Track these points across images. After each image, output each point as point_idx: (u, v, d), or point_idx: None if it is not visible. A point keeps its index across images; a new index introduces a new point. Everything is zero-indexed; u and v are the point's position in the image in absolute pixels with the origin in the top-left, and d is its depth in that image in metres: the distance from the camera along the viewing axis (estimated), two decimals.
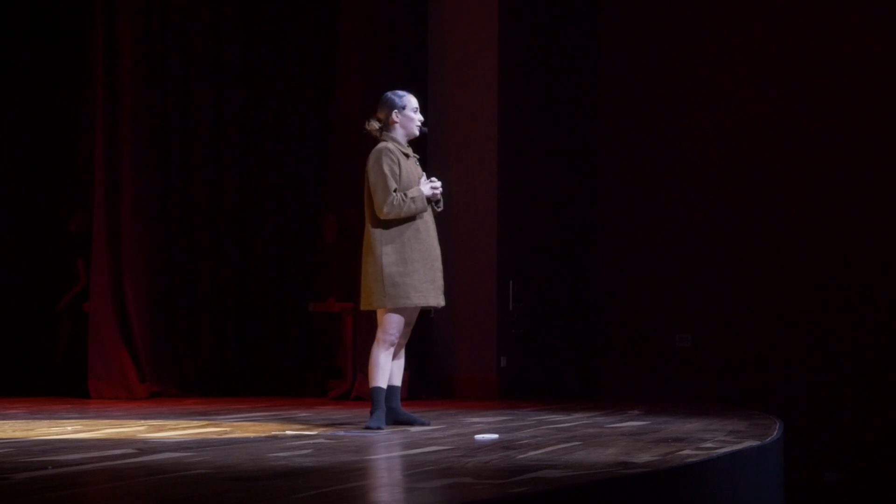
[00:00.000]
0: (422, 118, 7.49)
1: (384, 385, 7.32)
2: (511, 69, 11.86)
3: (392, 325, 7.32)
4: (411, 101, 7.48)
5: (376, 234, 7.30)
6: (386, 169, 7.27)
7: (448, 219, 11.91)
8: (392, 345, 7.34)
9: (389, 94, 7.53)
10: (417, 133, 7.48)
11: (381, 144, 7.39)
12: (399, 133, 7.45)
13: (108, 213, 11.68)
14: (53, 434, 6.98)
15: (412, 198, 7.27)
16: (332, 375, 11.63)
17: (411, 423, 7.43)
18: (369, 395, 7.40)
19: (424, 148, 11.48)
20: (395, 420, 7.41)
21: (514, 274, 11.73)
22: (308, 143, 12.32)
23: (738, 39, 12.96)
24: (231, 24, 12.29)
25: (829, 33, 12.69)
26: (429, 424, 7.44)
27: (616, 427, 7.51)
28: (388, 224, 7.30)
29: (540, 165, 12.35)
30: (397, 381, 7.46)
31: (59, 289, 12.46)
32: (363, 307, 7.44)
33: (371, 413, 7.28)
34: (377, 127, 7.46)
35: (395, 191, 7.25)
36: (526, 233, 12.05)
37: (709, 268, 12.85)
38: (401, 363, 7.50)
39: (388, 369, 7.34)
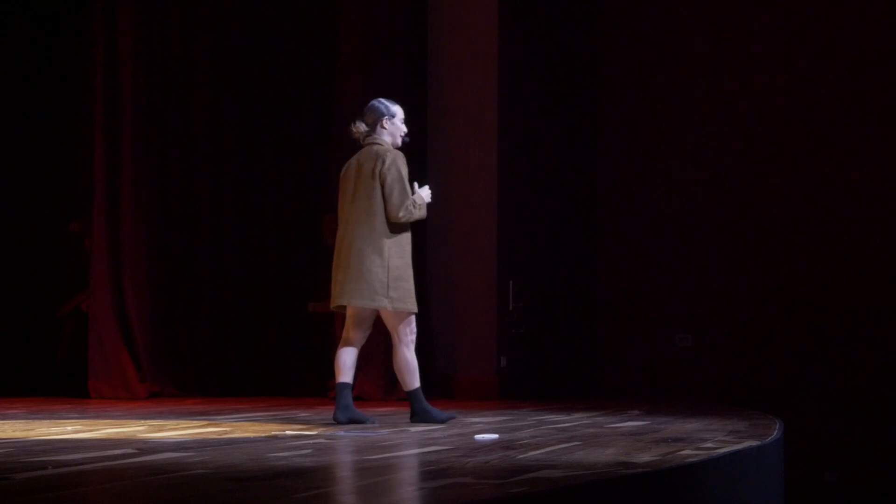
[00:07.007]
0: (406, 129, 7.66)
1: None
2: (511, 69, 11.85)
3: (408, 325, 7.59)
4: (400, 111, 7.66)
5: (383, 233, 7.48)
6: (404, 173, 7.50)
7: (448, 219, 11.96)
8: (412, 342, 7.64)
9: (377, 101, 7.67)
10: (400, 143, 7.64)
11: (394, 150, 7.54)
12: (386, 139, 7.59)
13: (108, 214, 11.68)
14: (53, 434, 6.98)
15: (419, 205, 7.52)
16: (332, 376, 11.60)
17: (362, 421, 7.55)
18: (408, 398, 7.77)
19: (424, 147, 11.51)
20: (350, 419, 7.57)
21: (514, 274, 11.73)
22: (308, 144, 12.31)
23: (739, 34, 12.95)
24: (231, 25, 12.28)
25: (831, 27, 12.69)
26: (376, 423, 7.55)
27: (616, 427, 7.51)
28: (393, 225, 7.48)
29: (540, 165, 12.35)
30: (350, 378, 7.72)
31: (59, 289, 12.44)
32: (360, 304, 7.54)
33: (416, 411, 7.65)
34: (364, 130, 7.55)
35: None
36: (526, 232, 12.04)
37: (709, 268, 12.84)
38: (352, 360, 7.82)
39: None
